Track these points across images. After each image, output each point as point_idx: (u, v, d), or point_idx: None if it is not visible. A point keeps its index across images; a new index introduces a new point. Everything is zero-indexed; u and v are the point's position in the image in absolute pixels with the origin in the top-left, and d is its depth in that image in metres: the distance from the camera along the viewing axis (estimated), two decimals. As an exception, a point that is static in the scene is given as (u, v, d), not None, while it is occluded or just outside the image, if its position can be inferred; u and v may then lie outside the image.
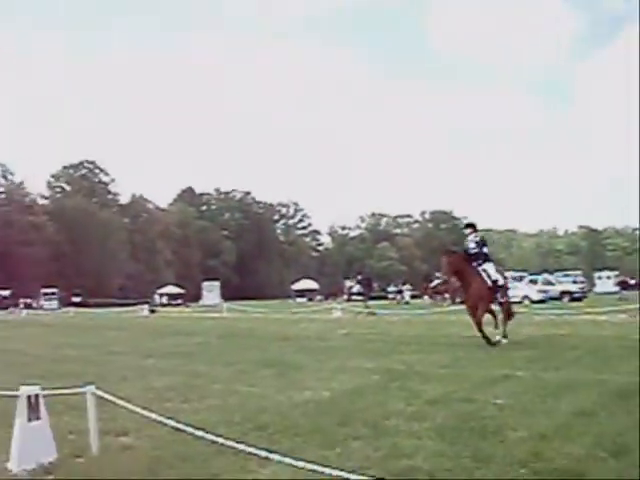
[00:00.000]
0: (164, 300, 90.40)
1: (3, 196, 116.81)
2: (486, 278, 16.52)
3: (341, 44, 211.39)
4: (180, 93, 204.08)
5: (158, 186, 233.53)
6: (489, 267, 16.84)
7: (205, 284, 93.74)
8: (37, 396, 6.15)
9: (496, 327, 16.76)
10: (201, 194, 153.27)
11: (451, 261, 16.66)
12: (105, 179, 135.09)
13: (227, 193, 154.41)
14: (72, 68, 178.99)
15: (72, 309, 61.10)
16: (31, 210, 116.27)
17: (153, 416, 6.33)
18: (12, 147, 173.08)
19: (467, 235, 17.51)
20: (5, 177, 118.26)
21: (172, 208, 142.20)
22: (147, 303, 62.52)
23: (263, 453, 5.40)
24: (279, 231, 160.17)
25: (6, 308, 79.46)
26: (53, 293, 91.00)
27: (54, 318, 47.02)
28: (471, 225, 17.98)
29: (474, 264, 16.70)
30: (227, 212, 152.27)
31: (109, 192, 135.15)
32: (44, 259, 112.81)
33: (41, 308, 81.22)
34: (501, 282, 16.92)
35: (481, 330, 15.91)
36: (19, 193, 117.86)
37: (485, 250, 17.01)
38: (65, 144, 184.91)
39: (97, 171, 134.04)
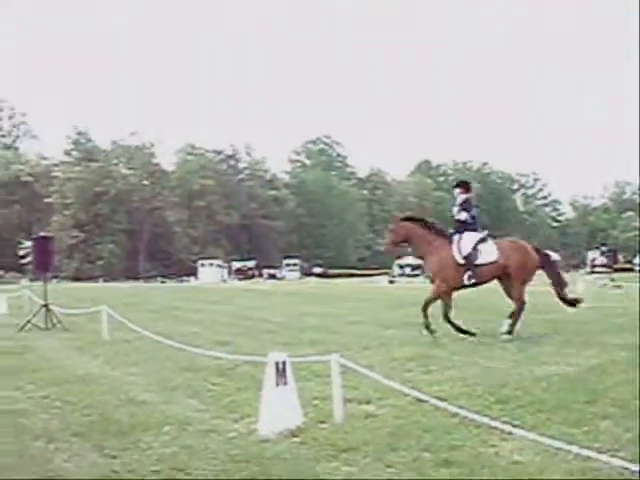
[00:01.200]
0: (404, 271, 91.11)
1: (247, 172, 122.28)
2: (455, 251, 13.38)
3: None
4: (411, 65, 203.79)
5: (395, 159, 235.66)
6: (467, 237, 13.43)
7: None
8: (284, 363, 6.36)
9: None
10: (438, 165, 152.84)
11: (395, 229, 14.03)
12: (343, 153, 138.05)
13: (464, 163, 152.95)
14: (307, 47, 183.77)
15: (313, 279, 62.99)
16: (273, 184, 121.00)
17: (396, 386, 6.37)
18: (253, 125, 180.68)
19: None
20: (248, 154, 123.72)
21: (409, 180, 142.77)
22: (386, 274, 63.29)
23: (506, 427, 5.29)
24: (518, 201, 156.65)
25: (252, 277, 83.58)
26: (295, 264, 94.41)
27: (296, 288, 48.68)
28: (460, 184, 14.40)
29: (450, 232, 13.76)
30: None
31: (347, 165, 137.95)
32: (286, 231, 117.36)
33: (283, 278, 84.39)
34: (481, 260, 13.23)
35: (425, 312, 13.28)
36: (261, 168, 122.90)
37: (463, 216, 13.67)
38: (305, 119, 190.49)
39: (335, 145, 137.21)
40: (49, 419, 7.22)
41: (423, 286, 46.00)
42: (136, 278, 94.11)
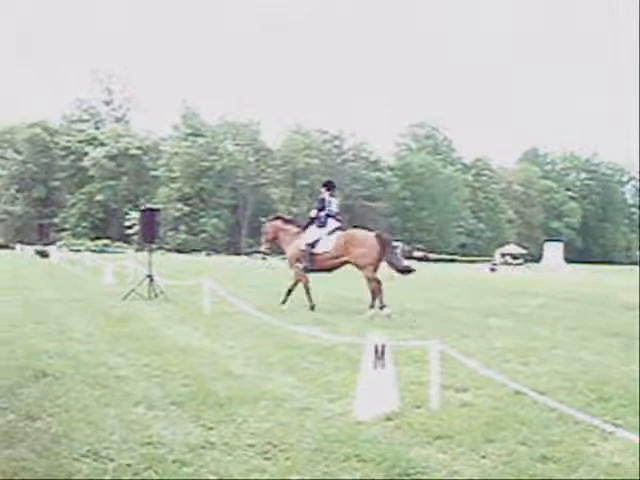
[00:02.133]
0: (505, 259, 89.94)
1: (351, 152, 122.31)
2: (302, 241, 16.00)
3: None
4: (523, 52, 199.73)
5: (502, 145, 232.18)
6: (311, 230, 16.04)
7: (547, 245, 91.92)
8: (383, 346, 6.32)
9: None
10: (546, 154, 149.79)
11: (267, 229, 17.22)
12: (449, 137, 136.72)
13: (572, 153, 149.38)
14: (417, 30, 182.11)
15: (414, 263, 62.57)
16: (377, 166, 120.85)
17: (495, 376, 6.27)
18: (361, 107, 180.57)
19: None
20: (353, 134, 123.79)
21: (515, 167, 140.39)
22: (488, 261, 62.51)
23: (608, 427, 5.14)
24: (627, 194, 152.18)
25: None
26: (396, 247, 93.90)
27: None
28: (325, 184, 16.81)
29: (304, 226, 16.51)
30: (572, 172, 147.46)
31: (452, 150, 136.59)
32: (388, 214, 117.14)
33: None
34: (316, 250, 15.70)
35: (287, 295, 16.00)
36: (366, 150, 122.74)
37: (313, 213, 16.38)
38: (410, 104, 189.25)
39: (442, 129, 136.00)
40: (149, 387, 7.38)
41: (525, 275, 45.37)
42: (238, 253, 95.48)
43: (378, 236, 15.42)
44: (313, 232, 15.98)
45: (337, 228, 15.99)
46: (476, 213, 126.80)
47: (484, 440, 5.64)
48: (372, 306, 14.82)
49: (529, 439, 5.65)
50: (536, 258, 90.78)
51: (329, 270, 16.09)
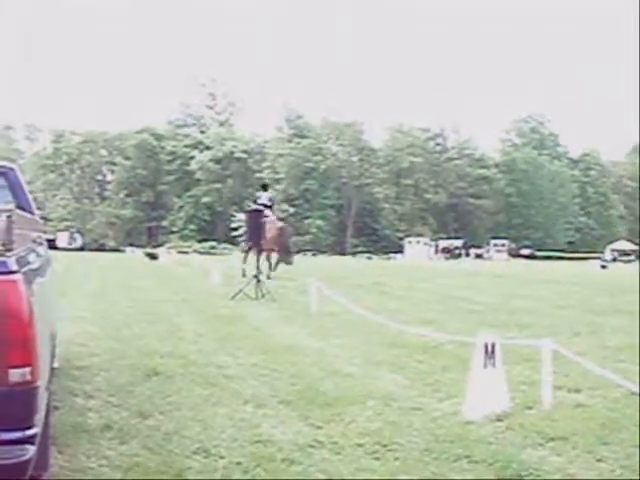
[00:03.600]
0: (614, 255, 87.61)
1: (455, 150, 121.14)
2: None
3: None
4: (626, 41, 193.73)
5: (611, 138, 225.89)
6: None
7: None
8: (494, 345, 6.20)
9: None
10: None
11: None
12: (555, 132, 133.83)
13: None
14: (514, 24, 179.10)
15: (521, 261, 61.55)
16: (482, 163, 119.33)
17: (609, 375, 6.08)
18: (465, 103, 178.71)
19: None
20: (456, 132, 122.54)
21: (626, 161, 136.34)
22: (597, 259, 60.96)
23: None
24: None
25: (458, 257, 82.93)
26: (502, 245, 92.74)
27: (503, 269, 47.70)
28: (262, 186, 25.73)
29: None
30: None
31: (558, 145, 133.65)
32: (493, 211, 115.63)
33: (490, 259, 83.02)
34: (266, 235, 20.72)
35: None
36: (470, 147, 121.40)
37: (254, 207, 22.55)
38: (514, 98, 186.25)
39: (547, 124, 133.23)
40: (258, 386, 7.44)
41: (638, 272, 43.99)
42: (342, 253, 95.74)
43: (282, 227, 23.75)
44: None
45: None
46: (585, 209, 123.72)
47: (600, 442, 5.48)
48: (268, 277, 20.67)
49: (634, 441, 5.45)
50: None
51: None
